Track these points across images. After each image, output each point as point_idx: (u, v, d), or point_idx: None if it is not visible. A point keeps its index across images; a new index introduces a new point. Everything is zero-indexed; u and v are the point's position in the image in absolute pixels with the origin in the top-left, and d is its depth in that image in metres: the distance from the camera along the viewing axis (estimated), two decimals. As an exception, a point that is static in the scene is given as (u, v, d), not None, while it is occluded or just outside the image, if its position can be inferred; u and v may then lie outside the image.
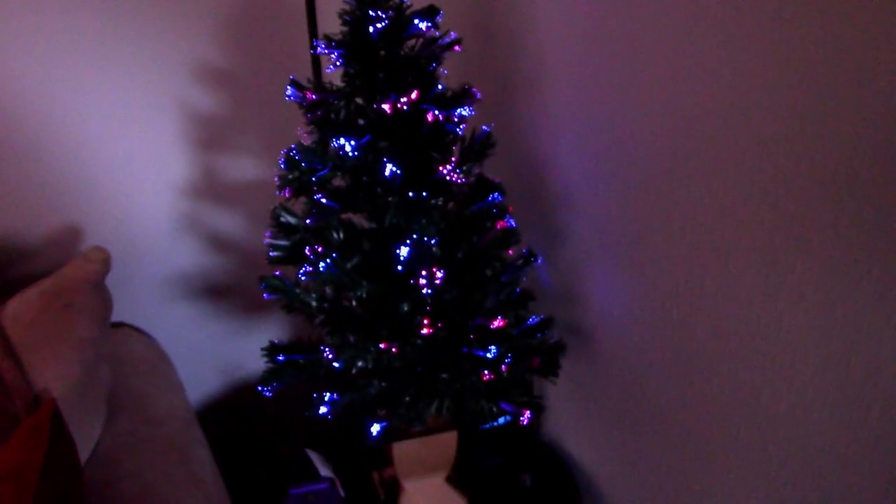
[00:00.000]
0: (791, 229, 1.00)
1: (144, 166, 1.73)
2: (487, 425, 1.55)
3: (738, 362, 1.18)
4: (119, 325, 1.88)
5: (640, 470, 1.51)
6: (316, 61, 1.63)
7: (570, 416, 1.74)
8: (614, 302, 1.47)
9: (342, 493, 1.58)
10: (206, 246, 1.88)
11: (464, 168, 1.31)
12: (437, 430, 1.49)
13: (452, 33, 1.28)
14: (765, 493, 1.17)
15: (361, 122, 1.31)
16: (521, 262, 1.40)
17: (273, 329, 2.06)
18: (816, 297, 0.98)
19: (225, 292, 1.97)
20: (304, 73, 1.65)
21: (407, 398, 1.37)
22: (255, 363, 2.07)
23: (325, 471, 1.59)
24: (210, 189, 1.83)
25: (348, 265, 1.30)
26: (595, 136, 1.39)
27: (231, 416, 2.12)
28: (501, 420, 1.41)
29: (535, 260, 1.41)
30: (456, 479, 1.61)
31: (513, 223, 1.39)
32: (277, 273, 1.39)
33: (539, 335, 1.43)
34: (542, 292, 1.72)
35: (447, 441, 1.49)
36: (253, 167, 1.84)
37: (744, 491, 1.22)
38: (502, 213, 1.37)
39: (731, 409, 1.22)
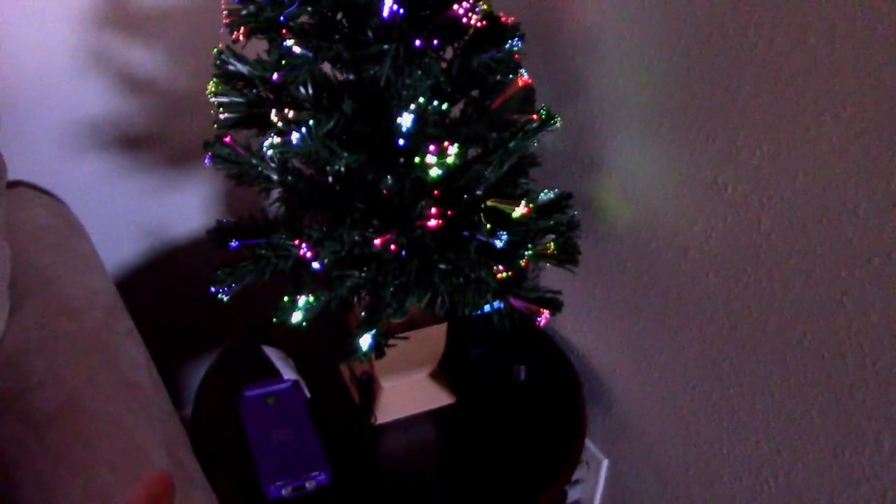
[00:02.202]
0: None
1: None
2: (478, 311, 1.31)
3: (816, 259, 0.96)
4: (15, 185, 1.53)
5: (657, 365, 1.32)
6: None
7: (571, 300, 1.52)
8: (641, 171, 1.21)
9: (307, 393, 1.34)
10: (117, 85, 1.53)
11: (478, 5, 0.99)
12: (423, 320, 1.25)
13: None
14: (830, 401, 0.99)
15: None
16: (535, 124, 1.12)
17: (204, 184, 1.74)
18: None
19: (143, 141, 1.63)
20: None
21: (391, 289, 1.11)
22: (185, 223, 1.77)
23: (287, 372, 1.33)
24: (119, 13, 1.47)
25: (322, 131, 0.99)
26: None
27: (159, 288, 1.83)
28: (496, 305, 1.17)
29: (554, 122, 1.13)
30: (441, 374, 1.38)
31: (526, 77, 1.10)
32: (227, 139, 1.07)
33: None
34: (547, 155, 1.45)
35: (435, 335, 1.25)
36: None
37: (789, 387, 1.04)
38: (518, 66, 1.07)
39: (793, 308, 1.01)
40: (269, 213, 1.20)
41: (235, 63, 1.05)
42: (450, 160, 0.97)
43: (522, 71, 1.10)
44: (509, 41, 1.04)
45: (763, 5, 0.93)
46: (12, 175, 1.53)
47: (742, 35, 0.97)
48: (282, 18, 0.94)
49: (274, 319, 1.06)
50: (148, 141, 1.63)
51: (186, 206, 1.76)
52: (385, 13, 0.90)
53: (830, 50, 0.86)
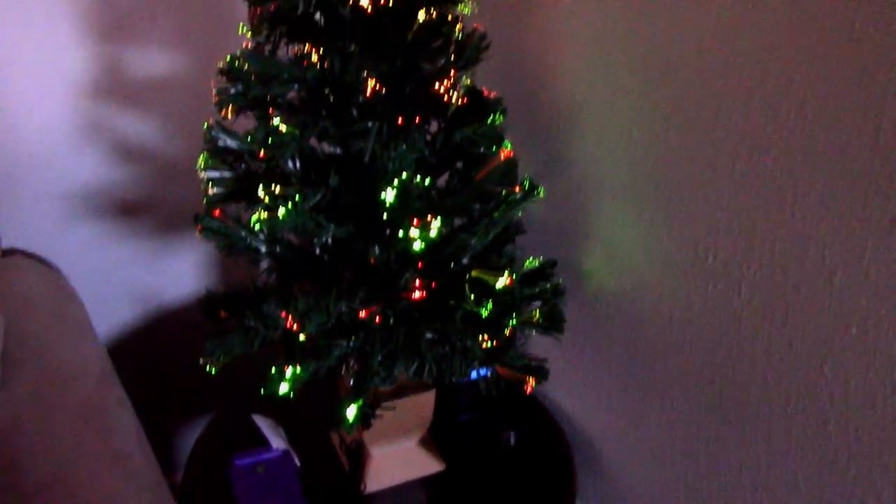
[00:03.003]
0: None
1: (34, 60, 1.41)
2: (465, 378, 1.32)
3: (797, 325, 0.97)
4: (10, 253, 1.55)
5: (645, 430, 1.32)
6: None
7: (561, 367, 1.53)
8: (625, 239, 1.23)
9: (297, 462, 1.34)
10: (111, 154, 1.56)
11: (460, 82, 1.02)
12: (411, 388, 1.25)
13: None
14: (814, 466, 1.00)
15: (319, 16, 1.00)
16: (519, 196, 1.14)
17: (196, 249, 1.76)
18: None
19: (136, 208, 1.65)
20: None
21: (379, 357, 1.12)
22: (177, 289, 1.78)
23: (276, 441, 1.34)
24: (115, 86, 1.51)
25: (309, 205, 1.01)
26: (617, 43, 1.12)
27: (151, 353, 1.83)
28: (483, 371, 1.18)
29: (537, 193, 1.15)
30: (431, 441, 1.39)
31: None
32: (216, 212, 1.09)
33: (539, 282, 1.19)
34: (532, 223, 1.47)
35: (423, 402, 1.26)
36: (167, 59, 1.51)
37: (778, 460, 1.04)
38: (501, 139, 1.09)
39: (776, 376, 1.02)
40: (259, 281, 1.21)
41: (225, 138, 1.08)
42: (433, 234, 0.99)
43: (506, 143, 1.12)
44: (492, 115, 1.07)
45: (737, 82, 0.96)
46: (7, 243, 1.55)
47: (718, 110, 0.99)
48: (268, 96, 0.96)
49: (262, 391, 1.07)
50: (141, 208, 1.65)
51: (179, 272, 1.77)
52: (368, 94, 0.93)
53: (802, 124, 0.89)
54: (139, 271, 1.73)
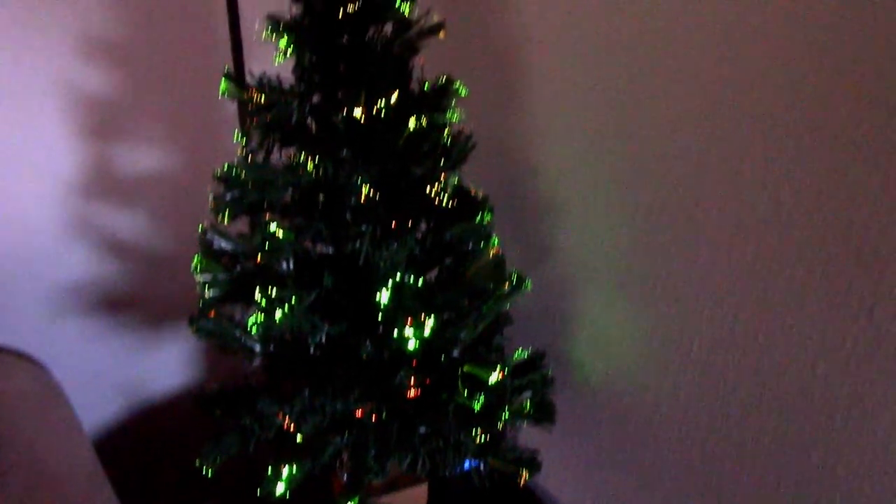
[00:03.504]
0: None
1: (25, 159, 1.44)
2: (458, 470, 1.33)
3: (782, 413, 1.00)
4: (-2, 351, 1.55)
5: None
6: (236, 39, 1.34)
7: (553, 457, 1.54)
8: (611, 328, 1.26)
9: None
10: (99, 250, 1.58)
11: (448, 183, 1.06)
12: (404, 481, 1.26)
13: (433, 15, 1.02)
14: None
15: (310, 122, 1.04)
16: (508, 290, 1.17)
17: (185, 341, 1.77)
18: None
19: (123, 303, 1.66)
20: (219, 48, 1.37)
21: (373, 452, 1.13)
22: (165, 381, 1.78)
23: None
24: (103, 184, 1.54)
25: (304, 305, 1.04)
26: (600, 140, 1.17)
27: (139, 447, 1.82)
28: (475, 463, 1.19)
29: (525, 286, 1.18)
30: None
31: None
32: (211, 313, 1.11)
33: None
34: (519, 312, 1.50)
35: (417, 496, 1.26)
36: (153, 157, 1.55)
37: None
38: (489, 236, 1.13)
39: (764, 464, 1.04)
40: (252, 379, 1.23)
41: (220, 240, 1.11)
42: (427, 332, 1.01)
43: (494, 239, 1.16)
44: (480, 214, 1.11)
45: (716, 176, 1.00)
46: (-5, 342, 1.55)
47: (697, 203, 1.04)
48: (264, 203, 1.00)
49: (258, 492, 1.07)
50: (128, 302, 1.66)
51: (166, 364, 1.77)
52: (363, 200, 0.96)
53: (780, 214, 0.93)
54: (126, 365, 1.73)
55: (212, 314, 1.11)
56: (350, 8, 0.93)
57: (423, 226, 1.12)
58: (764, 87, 0.93)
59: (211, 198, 1.05)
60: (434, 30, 1.02)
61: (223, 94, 1.02)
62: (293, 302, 1.00)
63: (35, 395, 1.47)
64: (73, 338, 1.64)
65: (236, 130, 1.07)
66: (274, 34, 0.99)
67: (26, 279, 1.53)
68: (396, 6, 0.96)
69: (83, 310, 1.62)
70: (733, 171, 0.98)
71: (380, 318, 1.03)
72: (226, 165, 1.02)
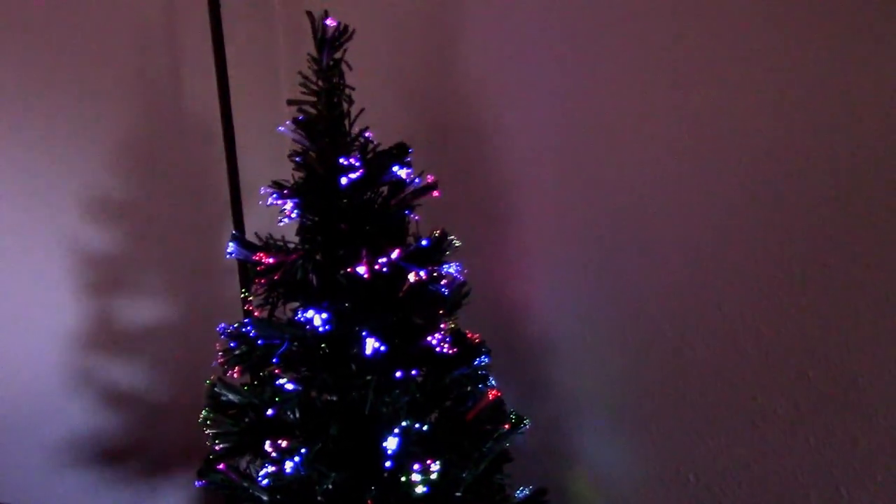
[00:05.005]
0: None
1: (27, 315, 1.48)
2: None
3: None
4: (-4, 511, 1.55)
5: None
6: (235, 194, 1.42)
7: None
8: (609, 462, 1.30)
9: None
10: (100, 402, 1.61)
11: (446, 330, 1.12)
12: None
13: (428, 176, 1.10)
14: None
15: (315, 280, 1.10)
16: (508, 430, 1.21)
17: (182, 489, 1.77)
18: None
19: (123, 455, 1.67)
20: (218, 205, 1.43)
21: None
22: (162, 534, 1.77)
23: None
24: (104, 336, 1.58)
25: (312, 456, 1.07)
26: (590, 284, 1.24)
27: None
28: None
29: (525, 425, 1.22)
30: None
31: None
32: (221, 466, 1.14)
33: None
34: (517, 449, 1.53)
35: None
36: (154, 308, 1.60)
37: None
38: (486, 378, 1.18)
39: None
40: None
41: (227, 393, 1.14)
42: (433, 476, 1.04)
43: (491, 381, 1.20)
44: (477, 358, 1.16)
45: (700, 312, 1.06)
46: (-5, 497, 1.55)
47: (683, 336, 1.10)
48: (273, 359, 1.04)
49: None
50: (127, 453, 1.67)
51: (164, 516, 1.77)
52: (368, 351, 1.01)
53: (763, 352, 0.99)
54: (124, 517, 1.72)
55: (221, 467, 1.13)
56: (351, 174, 1.00)
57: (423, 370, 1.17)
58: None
59: (220, 353, 1.09)
60: (428, 189, 1.09)
61: (230, 254, 1.08)
62: (303, 452, 1.03)
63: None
64: (71, 492, 1.64)
65: (237, 281, 1.12)
66: (278, 198, 1.06)
67: (27, 434, 1.55)
68: (395, 170, 1.04)
69: (83, 463, 1.63)
70: (714, 304, 1.04)
71: (387, 464, 1.06)
72: (237, 323, 1.07)
